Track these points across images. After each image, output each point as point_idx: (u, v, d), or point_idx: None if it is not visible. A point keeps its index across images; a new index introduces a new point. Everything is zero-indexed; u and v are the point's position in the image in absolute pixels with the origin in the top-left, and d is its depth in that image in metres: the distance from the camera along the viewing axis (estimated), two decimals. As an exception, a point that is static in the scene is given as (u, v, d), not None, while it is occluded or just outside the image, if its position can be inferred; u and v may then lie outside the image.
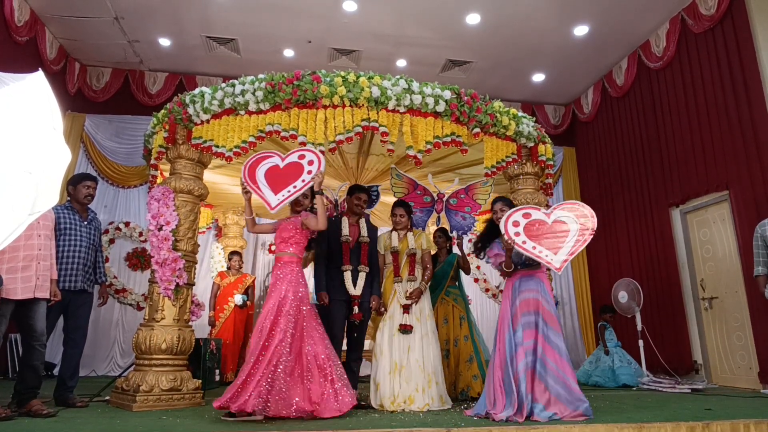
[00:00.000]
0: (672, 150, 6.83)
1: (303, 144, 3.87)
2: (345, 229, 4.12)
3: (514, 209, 3.64)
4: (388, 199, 6.02)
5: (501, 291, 8.54)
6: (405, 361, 3.92)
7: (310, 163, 3.69)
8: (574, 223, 3.54)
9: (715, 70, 6.14)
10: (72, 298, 3.95)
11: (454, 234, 5.12)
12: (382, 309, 4.10)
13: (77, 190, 4.11)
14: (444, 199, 5.09)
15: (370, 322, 4.31)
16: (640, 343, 6.32)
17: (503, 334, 3.53)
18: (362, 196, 4.24)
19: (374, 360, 4.03)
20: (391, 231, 4.38)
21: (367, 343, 4.35)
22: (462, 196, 4.95)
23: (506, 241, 3.49)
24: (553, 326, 3.45)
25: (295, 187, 3.66)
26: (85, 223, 4.12)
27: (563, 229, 3.53)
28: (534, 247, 3.48)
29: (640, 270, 7.35)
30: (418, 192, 4.96)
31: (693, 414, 3.43)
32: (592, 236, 3.51)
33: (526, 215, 3.58)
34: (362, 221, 4.25)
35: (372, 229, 4.29)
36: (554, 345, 3.40)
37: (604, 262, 8.28)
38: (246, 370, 3.22)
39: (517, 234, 3.51)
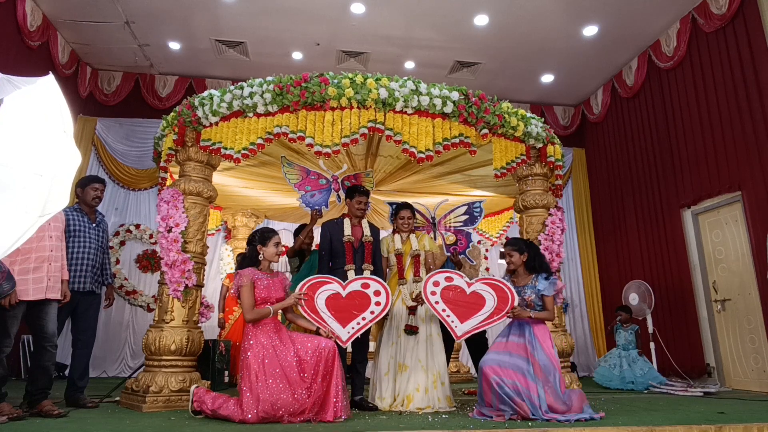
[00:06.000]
0: (683, 150, 6.76)
1: (316, 150, 3.88)
2: (347, 230, 4.14)
3: (440, 270, 3.85)
4: (388, 199, 6.02)
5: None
6: (408, 361, 3.93)
7: (377, 293, 3.67)
8: (492, 300, 3.65)
9: (726, 70, 6.08)
10: (81, 300, 3.98)
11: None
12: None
13: (85, 192, 4.15)
14: (338, 180, 4.99)
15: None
16: (652, 345, 6.26)
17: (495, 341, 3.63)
18: (362, 199, 4.27)
19: (376, 360, 4.04)
20: (394, 234, 4.39)
21: (371, 345, 4.35)
22: (353, 181, 4.90)
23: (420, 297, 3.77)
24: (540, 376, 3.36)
25: (363, 319, 3.61)
26: (94, 225, 4.16)
27: (479, 303, 3.66)
28: (444, 310, 3.70)
29: (651, 272, 7.28)
30: (312, 177, 4.87)
31: (705, 417, 3.38)
32: (501, 318, 3.63)
33: (449, 279, 3.76)
34: (364, 222, 4.28)
35: (375, 230, 4.30)
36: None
37: (614, 263, 8.21)
38: None
39: (433, 293, 3.71)
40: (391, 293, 3.75)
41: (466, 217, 5.21)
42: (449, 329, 3.68)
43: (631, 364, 6.15)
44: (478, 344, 4.97)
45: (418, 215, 5.13)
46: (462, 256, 5.18)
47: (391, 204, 4.93)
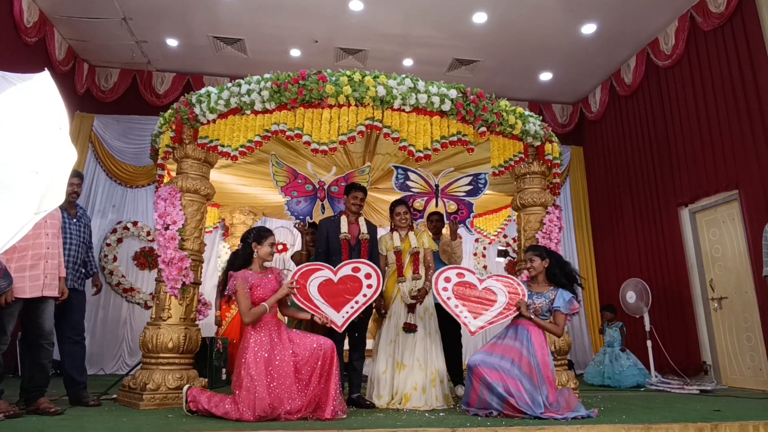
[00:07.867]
0: (681, 149, 6.77)
1: (313, 148, 3.88)
2: (344, 227, 4.14)
3: (450, 266, 3.82)
4: (386, 197, 6.02)
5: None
6: (406, 360, 3.93)
7: (368, 276, 3.70)
8: (503, 296, 3.66)
9: (724, 68, 6.08)
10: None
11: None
12: (383, 310, 4.11)
13: None
14: (325, 186, 4.97)
15: (370, 321, 4.32)
16: (649, 343, 6.27)
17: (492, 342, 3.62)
18: (358, 194, 4.26)
19: (374, 358, 4.04)
20: (392, 231, 4.38)
21: (369, 343, 4.35)
22: (342, 183, 4.87)
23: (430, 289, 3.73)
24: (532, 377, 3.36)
25: (357, 302, 3.63)
26: (74, 220, 4.04)
27: (490, 299, 3.66)
28: (456, 306, 3.66)
29: (648, 270, 7.29)
30: (299, 181, 4.84)
31: (701, 415, 3.40)
32: (513, 313, 3.63)
33: (460, 275, 3.74)
34: (361, 219, 4.28)
35: (372, 227, 4.29)
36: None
37: (612, 261, 8.23)
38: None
39: (445, 289, 3.68)
40: (381, 274, 3.75)
41: (470, 187, 5.06)
42: (463, 325, 3.65)
43: (612, 361, 6.19)
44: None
45: (421, 181, 5.00)
46: (462, 225, 5.08)
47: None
